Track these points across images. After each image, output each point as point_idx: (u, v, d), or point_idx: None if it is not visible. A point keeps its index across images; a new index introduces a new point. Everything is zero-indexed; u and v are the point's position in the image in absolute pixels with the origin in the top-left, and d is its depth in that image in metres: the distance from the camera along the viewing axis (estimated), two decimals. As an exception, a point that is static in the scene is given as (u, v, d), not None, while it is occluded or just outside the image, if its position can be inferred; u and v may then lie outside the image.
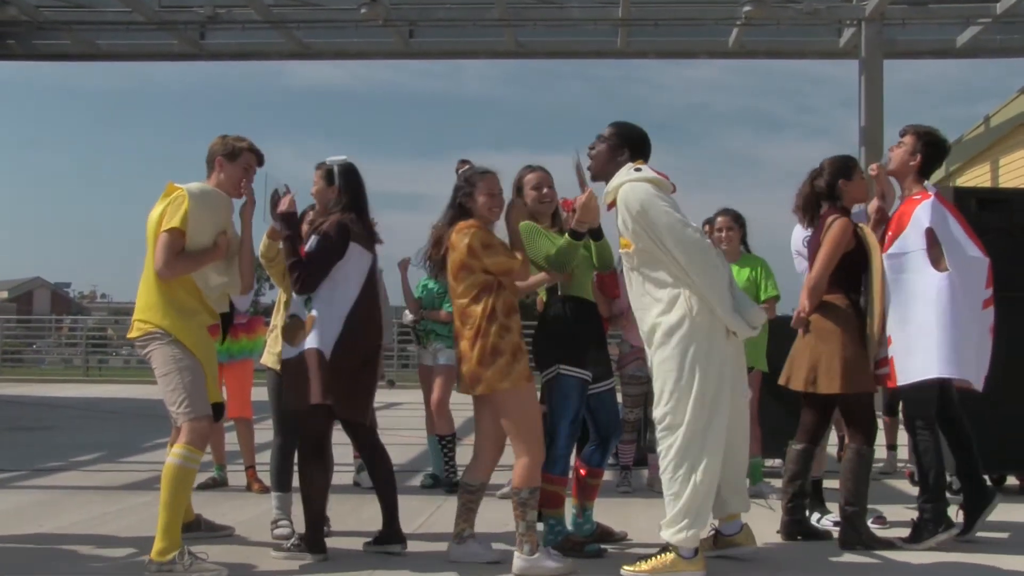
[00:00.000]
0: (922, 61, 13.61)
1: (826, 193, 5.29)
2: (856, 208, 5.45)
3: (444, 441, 6.87)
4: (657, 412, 4.55)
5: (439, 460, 6.90)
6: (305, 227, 5.18)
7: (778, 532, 5.34)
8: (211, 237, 4.74)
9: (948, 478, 5.39)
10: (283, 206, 4.81)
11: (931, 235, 5.06)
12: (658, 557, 4.48)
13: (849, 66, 12.31)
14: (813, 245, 5.27)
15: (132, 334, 4.81)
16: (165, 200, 4.75)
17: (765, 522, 5.45)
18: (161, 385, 4.68)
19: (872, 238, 5.21)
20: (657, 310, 4.51)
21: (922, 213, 5.11)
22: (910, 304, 5.05)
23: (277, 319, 5.40)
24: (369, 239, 4.85)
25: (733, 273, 6.47)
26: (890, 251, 5.14)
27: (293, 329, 4.77)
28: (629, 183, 4.56)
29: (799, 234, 5.86)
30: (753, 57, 13.55)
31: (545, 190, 5.06)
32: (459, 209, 4.72)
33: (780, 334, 7.04)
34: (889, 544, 5.13)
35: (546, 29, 12.92)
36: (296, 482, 4.98)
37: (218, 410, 4.87)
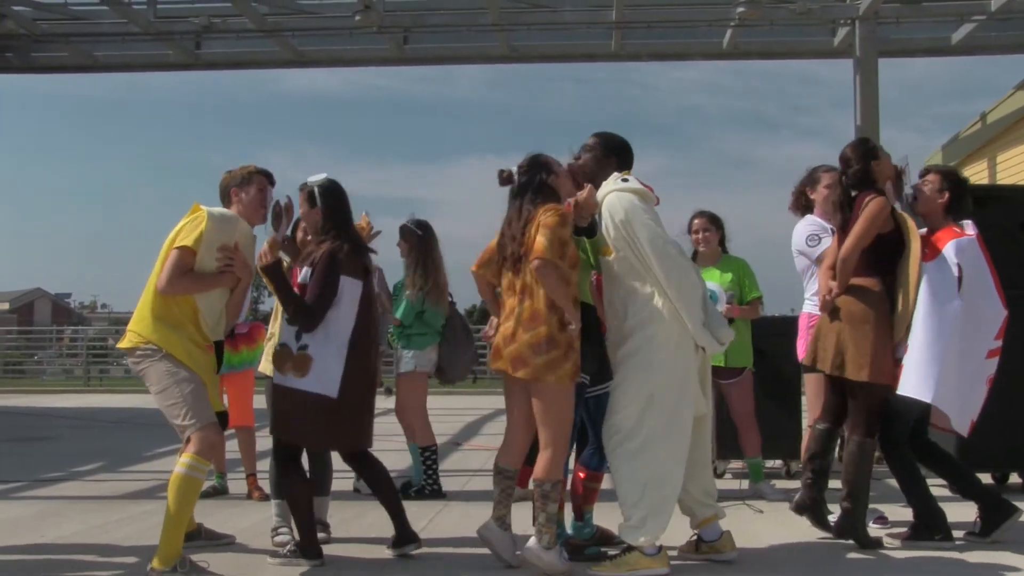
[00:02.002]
0: (917, 59, 13.58)
1: (860, 180, 5.24)
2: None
3: (427, 452, 6.80)
4: (617, 417, 4.64)
5: (419, 467, 6.84)
6: (300, 234, 5.22)
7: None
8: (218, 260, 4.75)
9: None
10: (261, 260, 4.76)
11: (960, 272, 5.05)
12: (623, 556, 4.59)
13: (844, 65, 12.29)
14: (849, 226, 5.19)
15: (123, 344, 4.84)
16: (187, 218, 4.79)
17: (759, 524, 5.47)
18: (160, 402, 4.69)
19: (910, 221, 5.18)
20: (634, 318, 4.62)
21: (956, 249, 5.09)
22: (930, 320, 5.00)
23: (275, 327, 5.41)
24: (359, 266, 4.80)
25: (717, 276, 6.59)
26: (933, 263, 5.09)
27: (282, 358, 4.74)
28: (616, 192, 4.66)
29: (801, 233, 5.87)
30: (747, 58, 13.54)
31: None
32: (541, 189, 4.69)
33: (769, 333, 7.09)
34: (879, 544, 5.17)
35: (539, 33, 12.93)
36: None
37: (221, 419, 4.87)
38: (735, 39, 12.36)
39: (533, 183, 4.72)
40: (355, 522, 5.74)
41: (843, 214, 5.28)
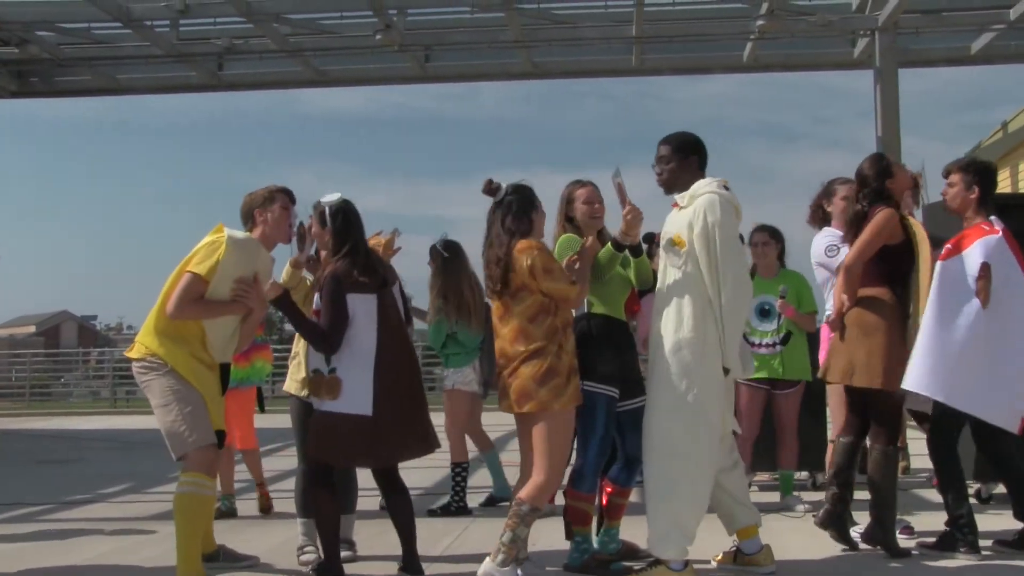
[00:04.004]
0: (937, 69, 13.52)
1: (874, 197, 5.22)
2: None
3: (458, 468, 6.84)
4: (652, 430, 4.62)
5: (500, 475, 6.90)
6: (324, 254, 5.20)
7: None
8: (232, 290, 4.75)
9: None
10: (270, 293, 4.75)
11: (986, 270, 4.99)
12: (649, 571, 4.56)
13: (864, 76, 12.26)
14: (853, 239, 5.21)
15: (130, 353, 4.85)
16: (207, 239, 4.78)
17: (790, 535, 5.44)
18: (159, 416, 4.70)
19: (921, 231, 5.14)
20: (675, 321, 4.59)
21: (983, 246, 5.05)
22: (948, 319, 4.96)
23: (299, 346, 5.41)
24: (368, 281, 4.73)
25: (775, 289, 6.58)
26: (949, 261, 5.05)
27: (316, 385, 4.71)
28: (717, 194, 4.61)
29: (819, 244, 5.85)
30: (768, 70, 13.54)
31: (596, 205, 5.06)
32: (520, 225, 4.67)
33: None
34: (907, 554, 5.14)
35: (560, 49, 12.96)
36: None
37: (221, 437, 4.87)
38: (755, 52, 12.35)
39: (514, 209, 4.69)
40: (379, 540, 5.73)
41: (856, 230, 5.24)
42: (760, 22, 10.93)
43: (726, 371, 4.64)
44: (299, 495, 5.31)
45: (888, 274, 5.13)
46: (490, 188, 4.80)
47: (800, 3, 11.49)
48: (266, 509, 6.86)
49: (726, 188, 4.68)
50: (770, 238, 6.86)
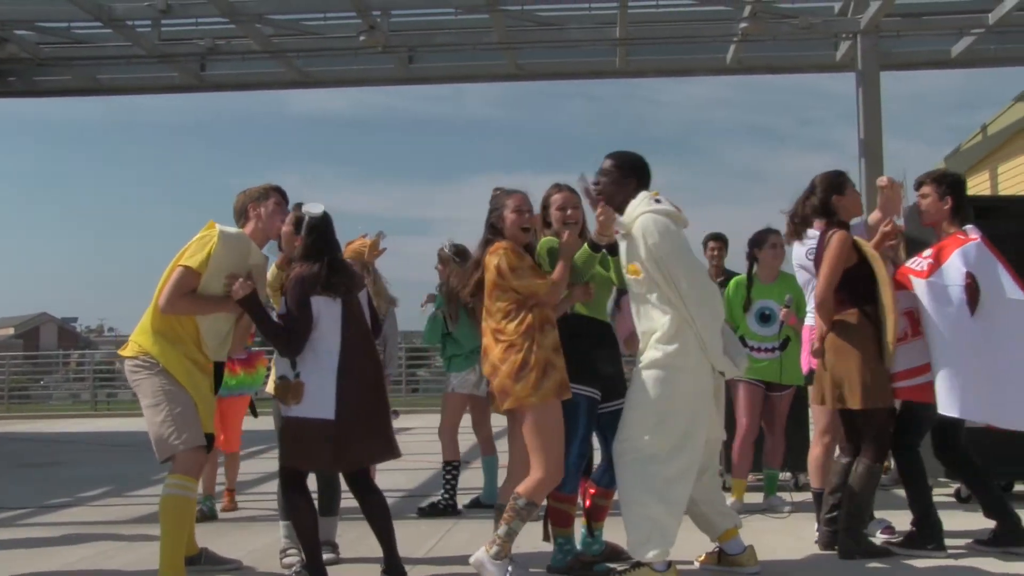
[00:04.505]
0: (919, 72, 13.62)
1: (820, 210, 5.30)
2: (855, 220, 5.47)
3: (448, 467, 6.90)
4: (628, 432, 4.65)
5: (492, 481, 6.93)
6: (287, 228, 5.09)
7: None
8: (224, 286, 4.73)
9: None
10: (238, 292, 4.69)
11: (971, 279, 5.06)
12: (632, 572, 4.57)
13: (847, 79, 12.33)
14: (818, 260, 5.29)
15: (124, 351, 4.82)
16: (199, 235, 4.77)
17: (774, 535, 5.45)
18: (148, 416, 4.67)
19: (870, 248, 5.21)
20: (656, 336, 4.63)
21: (963, 256, 5.11)
22: (945, 335, 5.03)
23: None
24: (334, 285, 4.71)
25: (775, 293, 6.61)
26: (932, 278, 5.12)
27: (282, 390, 4.71)
28: (650, 214, 4.64)
29: (800, 248, 5.89)
30: (751, 73, 13.57)
31: (570, 211, 5.07)
32: (491, 231, 4.80)
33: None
34: (887, 551, 5.20)
35: (545, 51, 12.97)
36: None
37: (208, 441, 4.85)
38: (739, 54, 12.39)
39: (489, 216, 4.83)
40: (363, 542, 5.70)
41: (796, 227, 5.43)
42: (743, 24, 10.97)
43: (721, 373, 4.72)
44: (281, 498, 5.29)
45: (853, 295, 5.18)
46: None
47: (783, 6, 11.53)
48: (227, 510, 7.05)
49: (657, 200, 4.70)
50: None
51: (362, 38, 11.20)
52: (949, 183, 5.39)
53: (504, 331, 4.60)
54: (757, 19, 10.93)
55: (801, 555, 5.28)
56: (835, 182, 5.36)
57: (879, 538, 5.43)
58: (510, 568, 4.56)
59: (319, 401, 4.59)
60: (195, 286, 4.68)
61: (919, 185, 5.48)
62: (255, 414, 7.10)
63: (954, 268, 5.08)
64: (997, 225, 6.86)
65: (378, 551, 4.81)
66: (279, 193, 5.04)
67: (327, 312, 4.68)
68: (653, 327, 4.66)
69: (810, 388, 5.65)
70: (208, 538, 5.52)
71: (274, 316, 4.79)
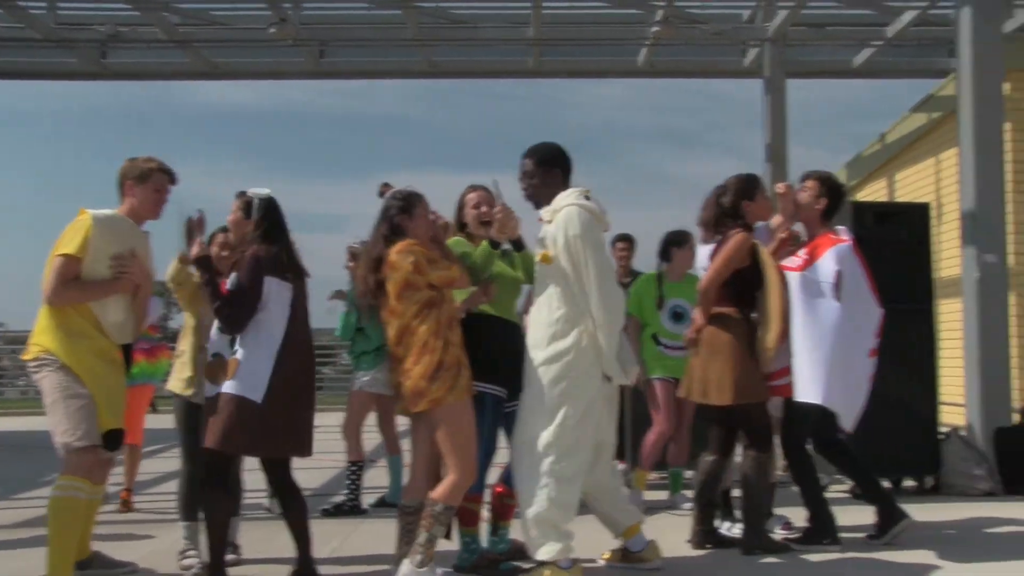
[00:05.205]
0: (823, 80, 14.01)
1: (730, 212, 5.41)
2: (758, 224, 5.59)
3: (353, 467, 6.84)
4: (523, 430, 4.66)
5: (397, 481, 6.89)
6: (215, 249, 5.10)
7: (688, 541, 5.45)
8: (111, 268, 4.62)
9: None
10: (194, 250, 4.68)
11: (839, 277, 5.24)
12: (538, 569, 4.58)
13: (754, 85, 12.62)
14: (714, 258, 5.39)
15: (25, 356, 4.68)
16: (71, 224, 4.63)
17: (678, 532, 5.54)
18: (48, 414, 4.53)
19: (767, 256, 5.33)
20: (551, 331, 4.64)
21: (836, 255, 5.28)
22: (816, 328, 5.20)
23: (184, 344, 5.30)
24: (287, 270, 4.70)
25: (686, 292, 6.71)
26: (807, 272, 5.29)
27: (216, 368, 4.65)
28: (576, 206, 4.66)
29: (704, 251, 5.98)
30: (662, 76, 13.79)
31: (484, 209, 5.07)
32: (394, 229, 4.69)
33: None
34: (787, 547, 5.31)
35: (459, 49, 12.97)
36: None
37: (117, 437, 4.71)
38: (650, 58, 12.56)
39: (390, 215, 4.69)
40: (265, 543, 5.63)
41: (709, 232, 5.47)
42: (655, 29, 11.12)
43: (609, 378, 4.72)
44: (183, 497, 5.19)
45: (736, 296, 5.30)
46: (383, 191, 4.80)
47: (694, 12, 11.73)
48: (123, 511, 6.89)
49: (587, 198, 4.74)
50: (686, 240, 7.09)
51: (272, 30, 11.02)
52: (830, 186, 5.55)
53: (416, 332, 4.55)
54: (668, 24, 11.09)
55: (703, 552, 5.37)
56: (746, 187, 5.46)
57: (778, 534, 5.56)
58: (438, 571, 4.57)
59: (251, 382, 4.52)
60: (77, 273, 4.55)
61: (805, 178, 5.63)
62: (155, 409, 6.96)
63: (826, 265, 5.27)
64: (893, 230, 7.13)
65: (282, 552, 4.76)
66: (164, 176, 4.86)
67: (277, 295, 4.63)
68: (546, 318, 4.66)
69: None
70: (102, 541, 5.37)
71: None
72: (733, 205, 5.40)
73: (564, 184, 4.84)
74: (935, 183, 11.39)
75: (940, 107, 11.09)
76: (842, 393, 5.23)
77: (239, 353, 4.58)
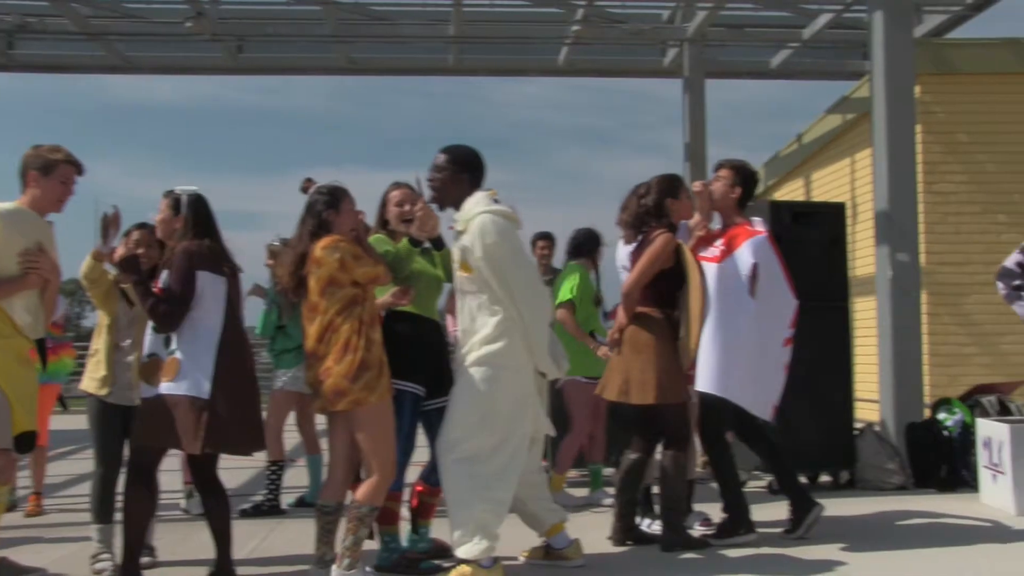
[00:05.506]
0: (741, 81, 14.25)
1: (654, 211, 5.43)
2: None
3: (273, 467, 6.75)
4: (451, 430, 4.64)
5: (316, 480, 6.81)
6: (130, 246, 4.97)
7: (609, 538, 5.47)
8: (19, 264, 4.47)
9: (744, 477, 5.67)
10: (118, 252, 4.56)
11: (755, 270, 5.32)
12: (459, 569, 4.57)
13: (674, 85, 12.77)
14: (636, 258, 5.42)
15: None
16: None
17: (599, 530, 5.55)
18: None
19: (691, 257, 5.37)
20: (483, 335, 4.63)
21: (753, 246, 5.36)
22: (731, 319, 5.28)
23: (98, 343, 5.16)
24: (219, 264, 4.61)
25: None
26: (724, 264, 5.38)
27: (152, 368, 4.53)
28: (488, 214, 4.63)
29: (623, 250, 6.01)
30: (582, 75, 13.88)
31: (407, 207, 5.02)
32: (320, 225, 4.61)
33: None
34: (706, 543, 5.36)
35: (378, 45, 12.89)
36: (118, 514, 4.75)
37: (31, 439, 4.55)
38: (570, 56, 12.63)
39: (315, 210, 4.62)
40: (182, 544, 5.51)
41: (632, 231, 5.49)
42: (575, 28, 11.17)
43: (542, 374, 4.75)
44: (95, 499, 5.05)
45: (659, 296, 5.33)
46: (306, 187, 4.73)
47: (614, 11, 11.82)
48: (32, 515, 6.70)
49: (496, 201, 4.73)
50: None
51: (188, 24, 10.81)
52: (744, 175, 5.63)
53: (338, 330, 4.49)
54: (588, 23, 11.17)
55: (624, 548, 5.40)
56: (670, 185, 5.49)
57: (697, 530, 5.61)
58: (367, 568, 4.53)
59: (193, 379, 4.41)
60: None
61: (719, 167, 5.71)
62: (64, 406, 6.77)
63: (743, 257, 5.35)
64: (810, 229, 7.25)
65: (198, 553, 4.66)
66: (70, 167, 4.69)
67: (211, 290, 4.53)
68: (478, 327, 4.65)
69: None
70: (9, 547, 5.20)
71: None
72: (657, 204, 5.42)
73: (471, 190, 4.80)
74: (850, 183, 11.64)
75: (855, 108, 11.34)
76: (755, 384, 5.31)
77: (177, 352, 4.48)
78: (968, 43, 10.53)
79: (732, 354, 5.24)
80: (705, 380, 5.28)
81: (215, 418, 4.40)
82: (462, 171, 4.82)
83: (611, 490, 6.89)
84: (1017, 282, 4.96)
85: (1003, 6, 10.89)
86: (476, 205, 4.69)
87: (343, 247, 4.51)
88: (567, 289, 6.76)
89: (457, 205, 4.77)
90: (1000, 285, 5.06)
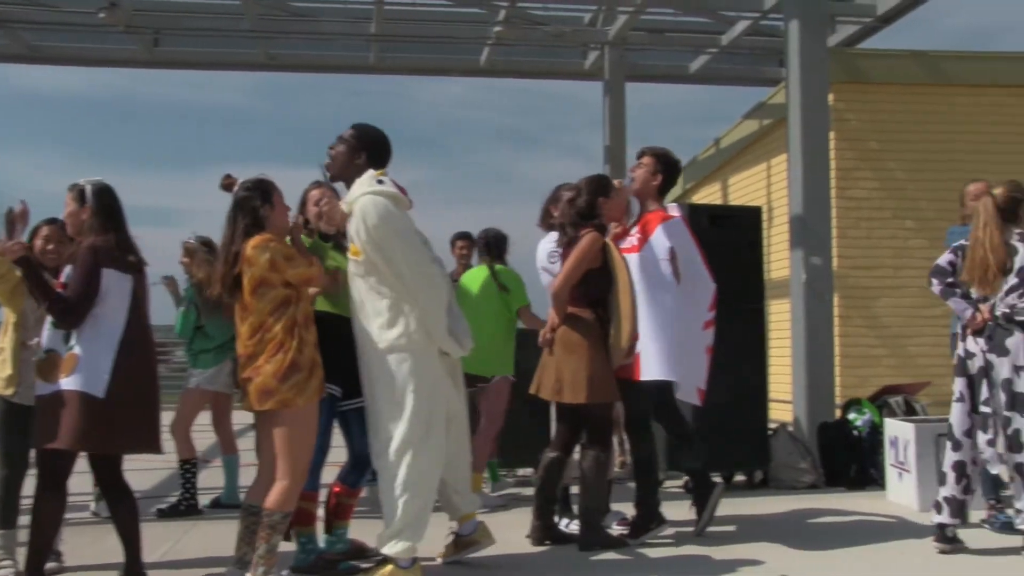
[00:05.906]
0: (661, 85, 14.47)
1: (586, 212, 5.44)
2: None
3: (186, 466, 6.63)
4: (377, 429, 4.61)
5: (232, 481, 6.71)
6: (39, 242, 4.85)
7: (527, 537, 5.48)
8: None
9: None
10: (13, 252, 4.40)
11: (673, 253, 5.40)
12: (377, 569, 4.55)
13: (594, 87, 12.88)
14: (565, 258, 5.42)
15: None
16: None
17: (510, 531, 5.56)
18: None
19: (618, 256, 5.40)
20: (378, 323, 4.59)
21: (668, 230, 5.44)
22: (657, 306, 5.36)
23: (4, 341, 5.00)
24: (126, 261, 4.49)
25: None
26: (643, 251, 5.45)
27: (49, 365, 4.38)
28: (370, 195, 4.58)
29: (544, 249, 6.03)
30: (504, 76, 13.92)
31: (324, 201, 4.95)
32: (254, 222, 4.49)
33: (531, 344, 7.26)
34: (623, 543, 5.40)
35: (298, 42, 12.75)
36: (22, 519, 4.60)
37: None
38: (492, 57, 12.65)
39: (247, 207, 4.52)
40: (90, 548, 5.37)
41: (565, 234, 5.48)
42: (497, 28, 11.20)
43: (446, 353, 4.71)
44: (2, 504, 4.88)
45: (588, 296, 5.35)
46: (228, 183, 4.63)
47: (536, 13, 11.87)
48: None
49: (381, 181, 4.65)
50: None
51: (101, 15, 10.55)
52: (665, 163, 5.70)
53: (271, 330, 4.40)
54: (510, 24, 11.20)
55: (542, 548, 5.41)
56: (600, 184, 5.51)
57: (615, 529, 5.65)
58: (283, 572, 4.46)
59: (91, 376, 4.28)
60: None
61: (641, 154, 5.77)
62: None
63: (659, 242, 5.43)
64: (727, 232, 7.36)
65: (107, 557, 4.54)
66: None
67: (117, 287, 4.41)
68: (369, 311, 4.60)
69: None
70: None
71: None
72: (590, 204, 5.42)
73: (364, 172, 4.73)
74: (766, 187, 11.85)
75: (771, 114, 11.55)
76: (685, 367, 5.39)
77: (76, 348, 4.36)
78: (878, 54, 10.82)
79: (665, 339, 5.31)
80: (650, 368, 5.32)
81: (110, 417, 4.30)
82: (361, 148, 4.78)
83: (523, 491, 6.93)
84: (950, 279, 5.16)
85: (908, 20, 11.23)
86: (360, 187, 4.64)
87: (273, 247, 4.43)
88: (522, 294, 6.75)
89: (350, 182, 4.72)
90: (934, 282, 5.23)
